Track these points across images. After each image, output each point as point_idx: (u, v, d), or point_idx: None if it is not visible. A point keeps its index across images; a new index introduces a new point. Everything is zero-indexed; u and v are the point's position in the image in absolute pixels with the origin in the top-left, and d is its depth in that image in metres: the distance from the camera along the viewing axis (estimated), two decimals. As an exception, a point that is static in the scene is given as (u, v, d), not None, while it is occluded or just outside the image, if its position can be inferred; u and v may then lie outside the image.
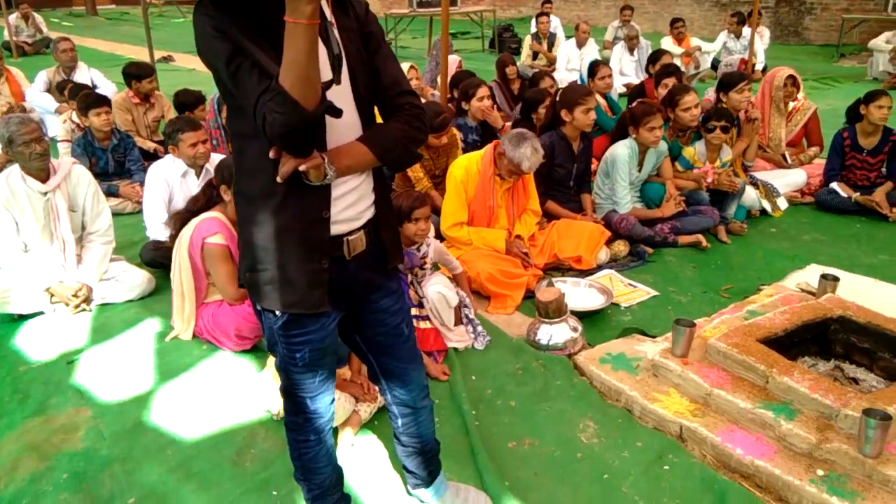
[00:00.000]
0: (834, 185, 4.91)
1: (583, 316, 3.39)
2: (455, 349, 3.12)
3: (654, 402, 2.70)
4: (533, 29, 9.96)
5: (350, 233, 1.69)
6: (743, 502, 2.24)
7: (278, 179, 1.51)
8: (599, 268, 4.01)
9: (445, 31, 4.61)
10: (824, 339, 3.00)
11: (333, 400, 1.89)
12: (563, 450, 2.52)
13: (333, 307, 1.72)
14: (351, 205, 1.67)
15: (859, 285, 3.71)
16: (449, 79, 5.38)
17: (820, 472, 2.27)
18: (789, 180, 5.15)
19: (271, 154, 1.50)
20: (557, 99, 4.30)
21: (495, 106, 5.30)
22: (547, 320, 3.14)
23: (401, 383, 1.97)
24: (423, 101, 5.70)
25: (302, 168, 1.49)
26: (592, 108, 4.23)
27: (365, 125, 1.66)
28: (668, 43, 9.95)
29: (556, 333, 3.13)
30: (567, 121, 4.21)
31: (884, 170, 4.90)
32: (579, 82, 6.35)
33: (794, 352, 2.93)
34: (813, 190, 5.13)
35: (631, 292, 3.75)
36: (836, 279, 3.24)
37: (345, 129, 1.60)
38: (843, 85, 10.11)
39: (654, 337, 3.22)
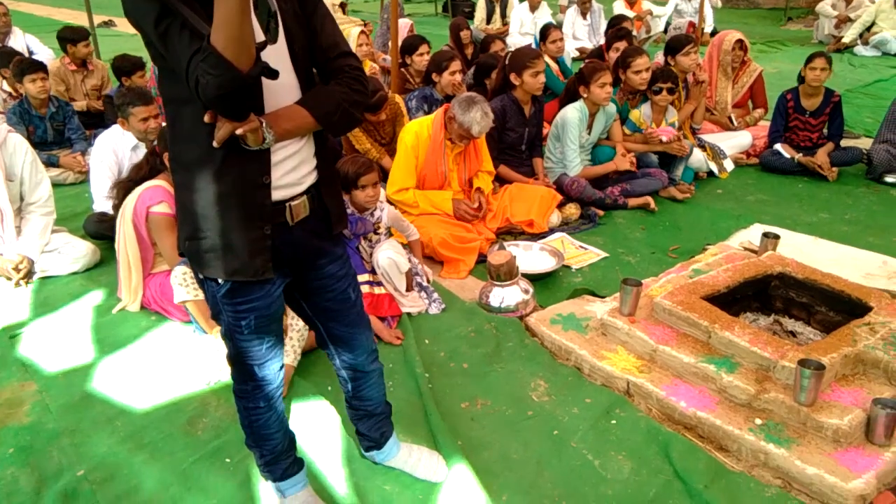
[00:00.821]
0: (778, 147, 5.04)
1: (534, 278, 3.43)
2: (409, 314, 3.14)
3: (602, 359, 2.76)
4: (486, -8, 9.85)
5: (292, 198, 1.67)
6: (686, 452, 2.32)
7: (214, 144, 1.48)
8: (551, 231, 4.05)
9: (395, -6, 4.54)
10: (765, 294, 3.11)
11: (283, 366, 1.89)
12: (515, 408, 2.57)
13: (278, 273, 1.71)
14: (292, 170, 1.65)
15: (800, 243, 3.84)
16: (400, 43, 5.31)
17: (758, 421, 2.36)
18: (735, 142, 5.26)
19: (206, 118, 1.47)
20: (507, 62, 4.29)
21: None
22: (499, 283, 3.18)
23: (349, 348, 1.98)
24: (374, 66, 5.63)
25: (239, 132, 1.46)
26: (541, 71, 4.23)
27: (304, 88, 1.64)
28: (620, 7, 9.99)
29: (507, 296, 3.17)
30: (517, 84, 4.21)
31: (825, 130, 5.04)
32: (533, 46, 6.33)
33: (737, 308, 3.03)
34: (758, 151, 5.25)
35: (582, 254, 3.81)
36: (776, 237, 3.34)
37: (283, 91, 1.57)
38: (790, 48, 10.33)
39: (603, 297, 3.29)
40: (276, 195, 1.63)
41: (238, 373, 1.85)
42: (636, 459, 2.31)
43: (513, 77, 4.20)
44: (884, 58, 9.52)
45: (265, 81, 1.51)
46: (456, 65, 4.76)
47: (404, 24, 6.51)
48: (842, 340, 2.52)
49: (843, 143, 5.16)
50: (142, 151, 3.80)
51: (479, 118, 3.61)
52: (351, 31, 5.55)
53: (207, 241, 1.62)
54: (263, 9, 1.44)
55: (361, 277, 2.97)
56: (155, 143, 3.12)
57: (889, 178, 4.78)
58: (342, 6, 6.83)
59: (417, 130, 3.79)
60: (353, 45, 5.34)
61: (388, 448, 2.21)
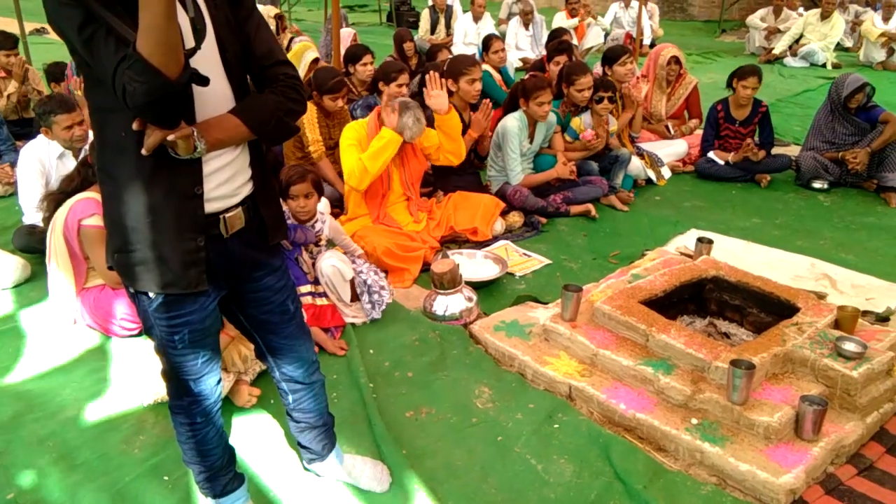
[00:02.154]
0: (711, 154, 5.21)
1: (478, 286, 3.46)
2: (353, 324, 3.12)
3: (545, 365, 2.80)
4: (430, 2, 9.91)
5: (226, 210, 1.64)
6: (626, 453, 2.37)
7: (144, 152, 1.45)
8: (495, 239, 4.09)
9: (336, 4, 4.53)
10: (700, 298, 3.20)
11: (220, 380, 1.86)
12: (459, 416, 2.58)
13: (213, 286, 1.68)
14: (226, 181, 1.63)
15: (733, 247, 3.98)
16: (343, 52, 5.30)
17: (694, 421, 2.43)
18: (672, 150, 5.42)
19: (135, 126, 1.43)
20: (445, 69, 4.32)
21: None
22: (442, 291, 3.19)
23: (288, 360, 1.95)
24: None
25: (170, 138, 1.43)
26: (478, 79, 4.30)
27: (238, 96, 1.62)
28: (561, 18, 10.18)
29: (451, 304, 3.19)
30: (454, 91, 4.25)
31: (756, 139, 5.23)
32: (476, 56, 6.39)
33: (674, 311, 3.11)
34: (693, 159, 5.42)
35: (525, 262, 3.86)
36: (710, 242, 3.45)
37: (215, 100, 1.55)
38: (724, 59, 10.69)
39: (546, 303, 3.34)
40: (210, 207, 1.61)
41: (173, 388, 1.81)
42: (578, 462, 2.35)
43: (450, 84, 4.23)
44: (811, 69, 9.94)
45: (197, 90, 1.49)
46: (404, 78, 4.76)
47: (348, 34, 6.49)
48: (772, 340, 2.62)
49: (774, 150, 5.37)
50: (69, 160, 3.69)
51: (412, 123, 3.62)
52: (305, 55, 5.52)
53: (138, 253, 1.58)
54: (197, 15, 1.42)
55: (303, 288, 2.95)
56: (87, 153, 3.03)
57: (816, 185, 4.99)
58: (279, 18, 6.75)
59: (357, 129, 3.77)
60: (303, 69, 5.30)
61: (331, 460, 2.19)
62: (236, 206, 1.67)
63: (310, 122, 4.24)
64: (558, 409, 2.61)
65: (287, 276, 1.91)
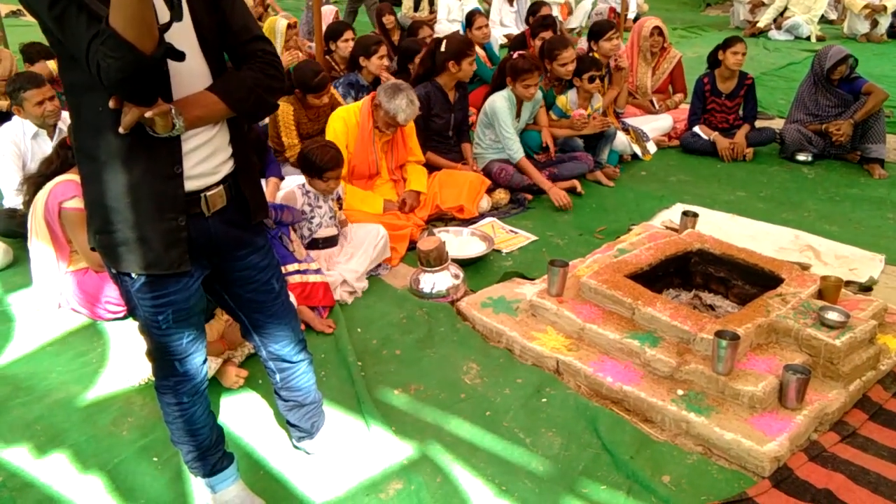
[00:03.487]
0: (696, 129, 5.21)
1: (465, 263, 3.46)
2: (340, 303, 3.12)
3: (532, 340, 2.81)
4: (413, -21, 9.78)
5: (207, 188, 1.63)
6: (613, 425, 2.39)
7: (121, 130, 1.43)
8: (481, 216, 4.09)
9: (317, -20, 4.47)
10: (686, 271, 3.22)
11: (206, 360, 1.85)
12: (448, 392, 2.59)
13: (196, 265, 1.67)
14: (205, 159, 1.61)
15: (718, 220, 4.00)
16: (324, 30, 5.23)
17: (680, 392, 2.45)
18: (657, 125, 5.41)
19: (111, 104, 1.41)
20: (442, 49, 4.26)
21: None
22: (429, 269, 3.19)
23: (275, 339, 1.95)
24: (299, 55, 5.52)
25: (147, 115, 1.42)
26: (474, 59, 4.28)
27: (215, 74, 1.60)
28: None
29: (438, 281, 3.19)
30: (454, 71, 4.21)
31: (741, 112, 5.24)
32: (461, 33, 6.34)
33: (660, 284, 3.13)
34: (679, 134, 5.42)
35: (511, 238, 3.86)
36: (695, 215, 3.47)
37: (192, 77, 1.53)
38: (709, 33, 10.66)
39: (532, 279, 3.34)
40: (190, 185, 1.59)
41: (159, 368, 1.81)
42: (566, 435, 2.37)
43: (451, 65, 4.19)
44: (796, 41, 9.94)
45: (173, 67, 1.47)
46: (383, 49, 4.72)
47: (329, 11, 6.42)
48: (756, 311, 2.64)
49: (759, 123, 5.38)
50: (43, 139, 3.65)
51: (405, 106, 3.60)
52: (277, 25, 5.42)
53: (119, 234, 1.57)
54: None
55: (291, 266, 2.94)
56: (66, 134, 2.99)
57: (800, 157, 5.00)
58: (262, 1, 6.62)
59: (345, 117, 3.75)
60: (279, 39, 5.21)
61: (320, 437, 2.20)
62: (217, 184, 1.65)
63: (285, 124, 4.10)
64: (546, 383, 2.63)
65: (271, 254, 1.90)
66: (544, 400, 2.55)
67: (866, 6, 9.83)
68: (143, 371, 2.53)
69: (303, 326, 2.85)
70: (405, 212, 3.86)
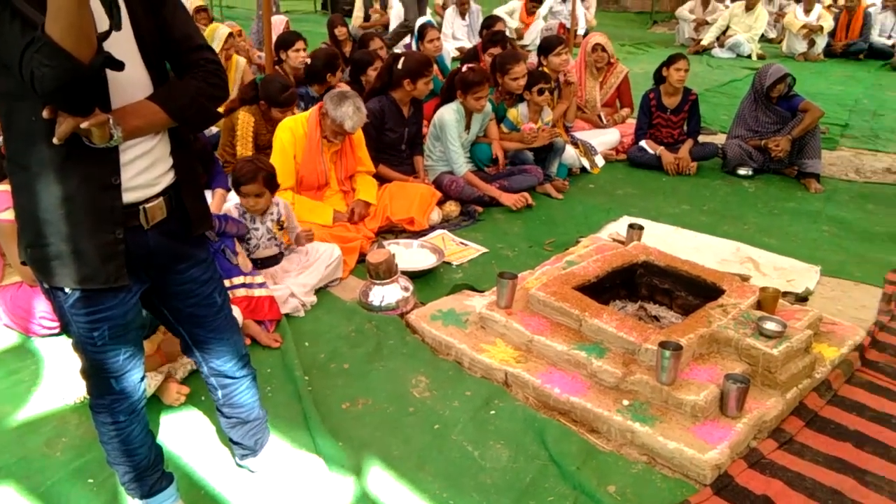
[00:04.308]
0: (643, 143, 5.33)
1: (415, 276, 3.46)
2: (288, 316, 3.07)
3: (481, 352, 2.82)
4: (365, -10, 9.80)
5: (147, 200, 1.59)
6: (560, 436, 2.41)
7: (55, 141, 1.38)
8: (432, 228, 4.09)
9: (266, -11, 4.43)
10: (632, 282, 3.28)
11: (143, 377, 1.80)
12: (396, 406, 2.58)
13: (134, 279, 1.62)
14: (145, 170, 1.57)
15: (663, 233, 4.09)
16: (275, 40, 5.19)
17: (625, 402, 2.49)
18: (605, 139, 5.52)
19: (45, 113, 1.37)
20: (399, 66, 4.26)
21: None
22: (378, 282, 3.17)
23: (217, 354, 1.91)
24: (253, 67, 5.44)
25: (83, 126, 1.37)
26: (431, 80, 4.31)
27: (156, 83, 1.56)
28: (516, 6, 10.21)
29: (387, 294, 3.18)
30: (409, 89, 4.22)
31: (685, 127, 5.38)
32: (413, 45, 6.37)
33: (607, 296, 3.18)
34: (626, 148, 5.53)
35: (462, 250, 3.87)
36: (641, 228, 3.54)
37: (132, 86, 1.50)
38: (655, 50, 10.94)
39: (482, 291, 3.36)
40: (128, 197, 1.55)
41: (94, 387, 1.75)
42: (514, 447, 2.37)
43: (407, 83, 4.19)
44: (738, 59, 10.29)
45: (112, 76, 1.43)
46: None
47: (279, 21, 6.36)
48: (698, 322, 2.70)
49: (702, 138, 5.54)
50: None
51: (352, 112, 3.59)
52: (217, 32, 5.34)
53: (52, 247, 1.51)
54: None
55: (237, 280, 2.88)
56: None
57: (741, 171, 5.16)
58: (202, 10, 6.47)
59: (292, 127, 3.71)
60: (217, 45, 5.12)
61: (264, 455, 2.15)
62: (157, 195, 1.61)
63: (243, 135, 4.05)
64: (495, 395, 2.64)
65: (213, 268, 1.86)
66: (493, 412, 2.55)
67: (804, 26, 10.24)
68: (77, 389, 2.44)
69: (248, 341, 2.83)
70: (354, 222, 3.84)
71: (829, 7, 10.91)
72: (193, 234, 1.74)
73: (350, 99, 3.59)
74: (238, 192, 3.10)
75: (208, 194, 3.37)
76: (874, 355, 2.91)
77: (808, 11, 10.32)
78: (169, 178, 1.65)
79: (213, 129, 4.76)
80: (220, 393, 2.00)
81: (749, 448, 2.36)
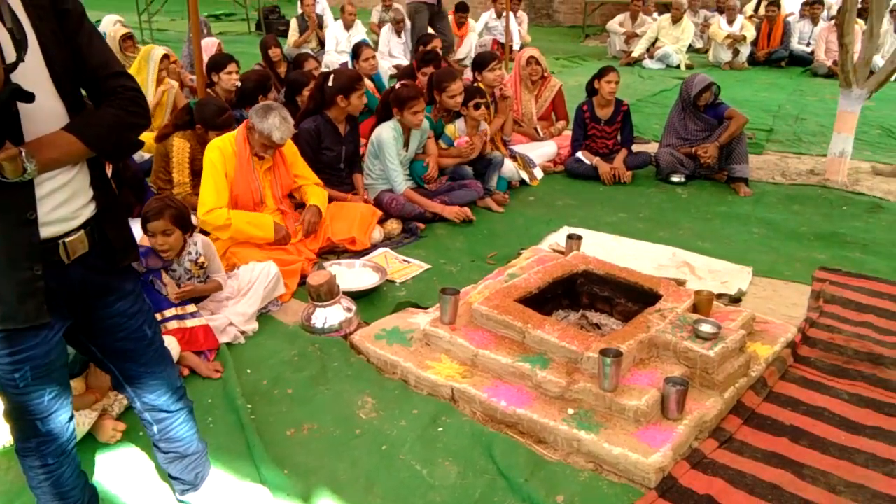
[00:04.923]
0: (579, 154, 5.44)
1: (358, 296, 3.43)
2: (228, 344, 3.01)
3: (427, 369, 2.81)
4: (299, 10, 9.75)
5: (66, 234, 1.53)
6: (507, 449, 2.41)
7: (-37, 177, 1.33)
8: (374, 247, 4.07)
9: (195, 11, 4.36)
10: (573, 291, 3.33)
11: (72, 416, 1.73)
12: (342, 429, 2.54)
13: (56, 317, 1.56)
14: (63, 203, 1.52)
15: (602, 241, 4.16)
16: (206, 62, 5.11)
17: (570, 411, 2.52)
18: (542, 151, 5.61)
19: None
20: (330, 83, 4.25)
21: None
22: (320, 304, 3.14)
23: (150, 389, 1.85)
24: (185, 90, 5.35)
25: None
26: (364, 93, 4.30)
27: (72, 112, 1.51)
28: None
29: (330, 316, 3.14)
30: (343, 105, 4.20)
31: (619, 137, 5.51)
32: (349, 65, 6.36)
33: (549, 307, 3.22)
34: (563, 159, 5.64)
35: (405, 268, 3.86)
36: (579, 238, 3.60)
37: (45, 117, 1.45)
38: (589, 62, 11.19)
39: (426, 308, 3.35)
40: (46, 232, 1.49)
41: (19, 430, 1.67)
42: (462, 463, 2.37)
43: (340, 99, 4.18)
44: (668, 70, 10.61)
45: (24, 108, 1.38)
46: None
47: (212, 43, 6.27)
48: (637, 328, 2.76)
49: (636, 147, 5.68)
50: None
51: (279, 123, 3.54)
52: (152, 54, 5.23)
53: (-35, 286, 1.45)
54: (16, 28, 1.32)
55: (168, 312, 2.81)
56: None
57: (674, 178, 5.31)
58: (128, 38, 6.28)
59: (221, 146, 3.62)
60: (153, 68, 5.03)
61: (205, 489, 2.09)
62: (77, 229, 1.56)
63: (179, 161, 3.96)
64: (442, 412, 2.63)
65: (142, 299, 1.81)
66: (440, 429, 2.54)
67: (728, 36, 10.64)
68: (2, 434, 2.33)
69: (186, 372, 2.75)
70: (306, 229, 3.79)
71: (750, 17, 11.37)
72: (119, 266, 1.69)
73: (275, 110, 3.54)
74: (145, 231, 2.88)
75: (138, 223, 3.25)
76: (806, 351, 3.02)
77: (731, 22, 10.74)
78: (90, 211, 1.60)
79: (146, 156, 4.66)
80: (155, 428, 1.94)
81: (691, 449, 2.41)
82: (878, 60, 7.66)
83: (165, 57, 5.12)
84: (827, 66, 9.81)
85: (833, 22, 9.13)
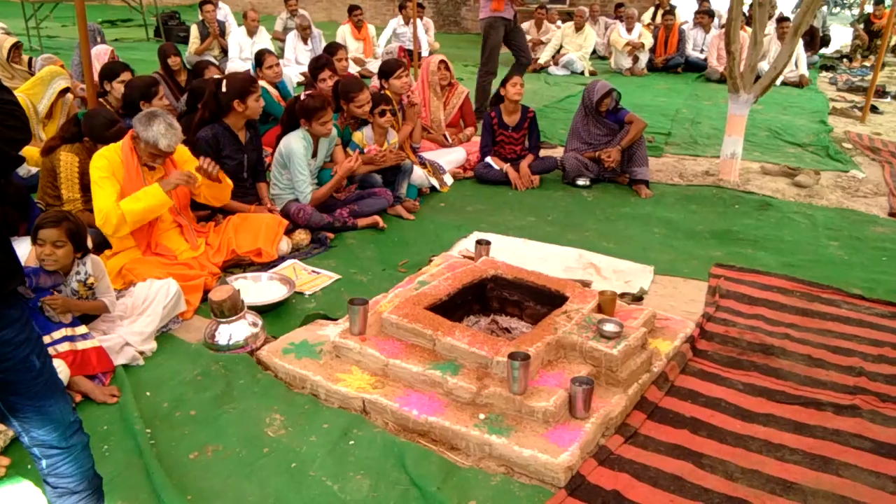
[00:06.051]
0: (488, 160, 5.51)
1: (264, 310, 3.34)
2: (125, 366, 2.86)
3: (337, 382, 2.76)
4: (200, 17, 9.46)
5: None
6: (420, 458, 2.40)
7: None
8: (282, 259, 3.98)
9: (82, 17, 4.14)
10: (483, 297, 3.36)
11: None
12: (249, 448, 2.46)
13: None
14: (-72, 224, 1.40)
15: (512, 246, 4.22)
16: (99, 70, 4.87)
17: (482, 416, 2.53)
18: (452, 158, 5.65)
19: None
20: (224, 90, 4.13)
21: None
22: (224, 320, 3.03)
23: (38, 423, 1.72)
24: (77, 100, 5.05)
25: None
26: (260, 95, 4.19)
27: None
28: (346, 31, 10.24)
29: (234, 332, 3.04)
30: (240, 111, 4.09)
31: (527, 142, 5.62)
32: (251, 72, 6.21)
33: (460, 313, 3.23)
34: (472, 165, 5.69)
35: (314, 279, 3.79)
36: (488, 243, 3.63)
37: None
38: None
39: (336, 319, 3.30)
40: None
41: None
42: (374, 475, 2.34)
43: (236, 104, 4.06)
44: (572, 76, 10.92)
45: None
46: (161, 90, 4.50)
47: (103, 51, 5.99)
48: (545, 330, 2.80)
49: (543, 152, 5.81)
50: None
51: (164, 130, 3.39)
52: (53, 83, 4.90)
53: None
54: None
55: (57, 333, 2.64)
56: None
57: (580, 182, 5.46)
58: (16, 47, 5.91)
59: (107, 156, 3.41)
60: (48, 98, 4.72)
61: (99, 523, 1.97)
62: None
63: (68, 176, 3.72)
64: (353, 424, 2.59)
65: (30, 327, 1.67)
66: (352, 442, 2.50)
67: (627, 44, 11.06)
68: None
69: (79, 398, 2.60)
70: (209, 173, 3.64)
71: (648, 25, 11.87)
72: (2, 292, 1.56)
73: (159, 117, 3.39)
74: (35, 241, 2.73)
75: (24, 243, 3.04)
76: (703, 345, 3.16)
77: (630, 30, 11.17)
78: (-38, 232, 1.48)
79: (33, 170, 4.38)
80: (44, 463, 1.81)
81: (598, 446, 2.47)
82: (764, 66, 8.16)
83: (64, 91, 4.78)
84: (719, 72, 10.36)
85: (723, 30, 9.65)
